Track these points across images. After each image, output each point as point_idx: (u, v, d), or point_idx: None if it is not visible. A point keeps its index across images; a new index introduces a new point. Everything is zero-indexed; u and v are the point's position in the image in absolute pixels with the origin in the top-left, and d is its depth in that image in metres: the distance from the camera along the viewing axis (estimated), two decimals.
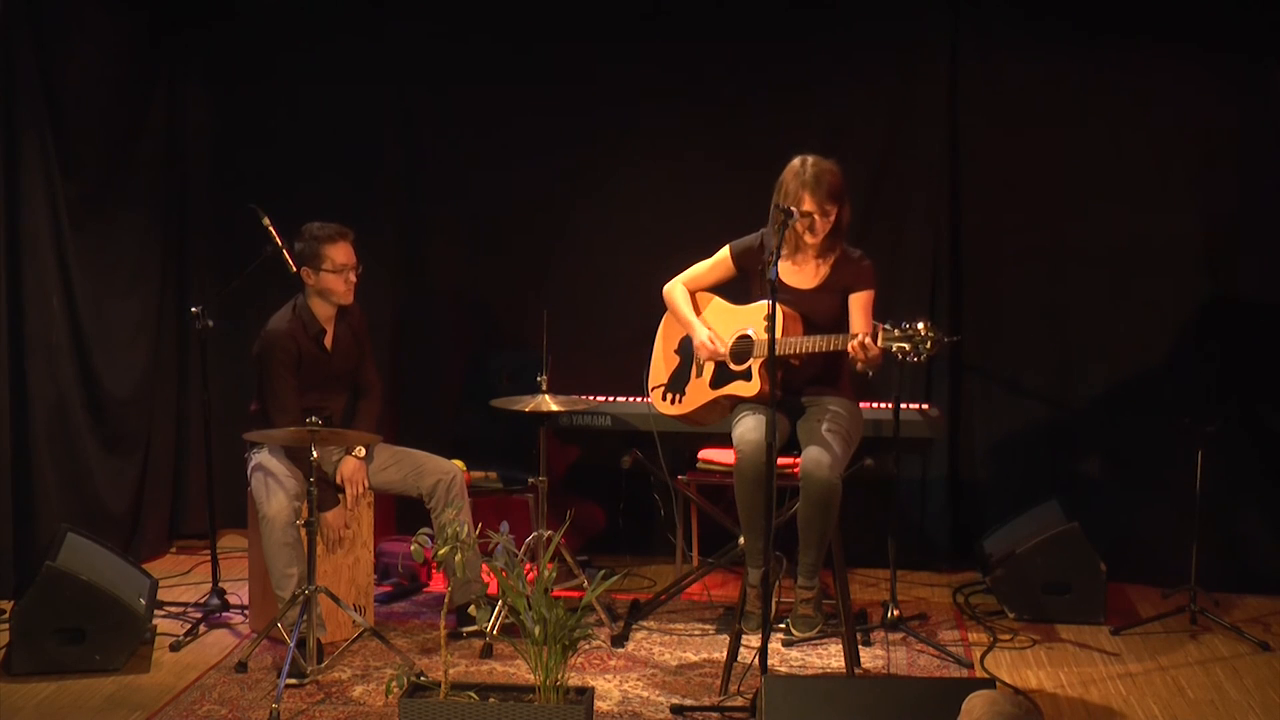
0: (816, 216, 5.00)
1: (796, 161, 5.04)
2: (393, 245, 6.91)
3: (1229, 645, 5.68)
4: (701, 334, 5.23)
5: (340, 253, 5.65)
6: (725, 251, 5.25)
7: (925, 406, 6.31)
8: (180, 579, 6.45)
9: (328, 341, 5.73)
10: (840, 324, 5.08)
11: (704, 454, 6.26)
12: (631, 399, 6.32)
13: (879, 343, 4.79)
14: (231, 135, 6.97)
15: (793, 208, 4.91)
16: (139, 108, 6.72)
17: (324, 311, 5.71)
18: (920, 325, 4.74)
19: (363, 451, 5.70)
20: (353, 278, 5.69)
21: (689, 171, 6.74)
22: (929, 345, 4.71)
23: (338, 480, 5.67)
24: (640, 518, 6.69)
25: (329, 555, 5.57)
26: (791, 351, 4.98)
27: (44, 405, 6.13)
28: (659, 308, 5.46)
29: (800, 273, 5.14)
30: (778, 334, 4.68)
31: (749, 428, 4.95)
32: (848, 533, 5.13)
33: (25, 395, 6.05)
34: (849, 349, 4.87)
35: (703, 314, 5.30)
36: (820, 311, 5.09)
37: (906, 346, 4.71)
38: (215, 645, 5.60)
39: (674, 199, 6.71)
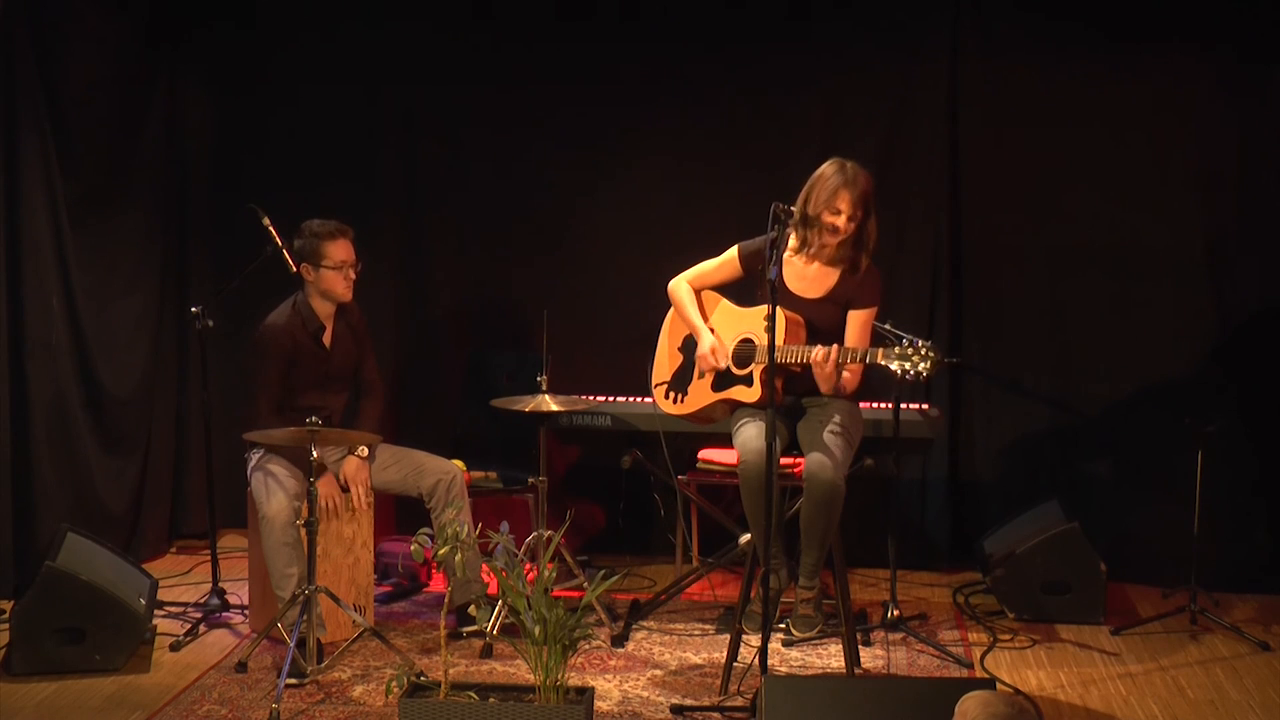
0: (844, 219, 4.97)
1: (832, 164, 5.00)
2: (393, 245, 6.91)
3: (1229, 645, 5.68)
4: (705, 344, 5.18)
5: (340, 249, 5.66)
6: (734, 252, 5.21)
7: (925, 406, 6.31)
8: (180, 579, 6.45)
9: (326, 339, 5.74)
10: (843, 336, 5.07)
11: (704, 454, 6.26)
12: (632, 399, 6.32)
13: (879, 360, 4.79)
14: (231, 135, 6.97)
15: (792, 208, 4.90)
16: (139, 108, 6.71)
17: (323, 309, 5.72)
18: (920, 344, 4.74)
19: (365, 451, 5.70)
20: (352, 275, 5.70)
21: (689, 172, 6.74)
22: (928, 365, 4.71)
23: (341, 480, 5.67)
24: (640, 518, 6.69)
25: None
26: (793, 360, 4.96)
27: (43, 405, 6.12)
28: (659, 308, 5.45)
29: (808, 281, 5.11)
30: (780, 339, 4.67)
31: (751, 435, 4.94)
32: (848, 533, 5.13)
33: (25, 395, 6.04)
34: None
35: (708, 314, 5.27)
36: (824, 322, 5.08)
37: (906, 366, 4.72)
38: (215, 645, 5.60)
39: (674, 199, 6.72)
